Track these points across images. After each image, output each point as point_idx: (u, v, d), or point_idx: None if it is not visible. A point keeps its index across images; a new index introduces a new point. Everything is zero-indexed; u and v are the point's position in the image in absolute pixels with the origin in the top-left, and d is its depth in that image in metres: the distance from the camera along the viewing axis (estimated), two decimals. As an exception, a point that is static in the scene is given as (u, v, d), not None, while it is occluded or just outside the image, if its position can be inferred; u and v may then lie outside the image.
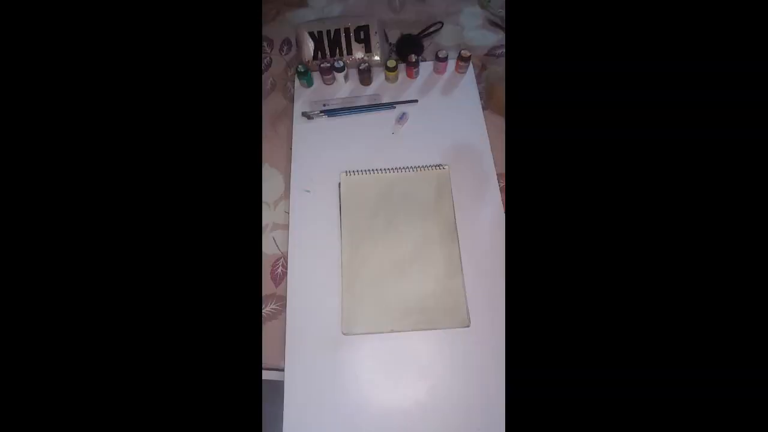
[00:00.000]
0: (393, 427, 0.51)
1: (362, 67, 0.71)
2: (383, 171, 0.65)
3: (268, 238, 0.64)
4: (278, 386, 0.54)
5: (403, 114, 0.70)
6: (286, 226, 0.63)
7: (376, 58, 0.74)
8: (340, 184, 0.64)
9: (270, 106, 0.75)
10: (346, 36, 0.73)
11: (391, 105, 0.71)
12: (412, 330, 0.55)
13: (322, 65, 0.71)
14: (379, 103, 0.71)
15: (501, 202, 0.62)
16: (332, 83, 0.74)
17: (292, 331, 0.56)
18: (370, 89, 0.74)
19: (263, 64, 0.79)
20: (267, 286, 0.60)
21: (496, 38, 0.79)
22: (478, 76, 0.74)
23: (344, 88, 0.74)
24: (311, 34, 0.73)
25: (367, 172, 0.64)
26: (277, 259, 0.62)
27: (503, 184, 0.64)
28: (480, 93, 0.72)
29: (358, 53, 0.74)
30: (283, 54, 0.81)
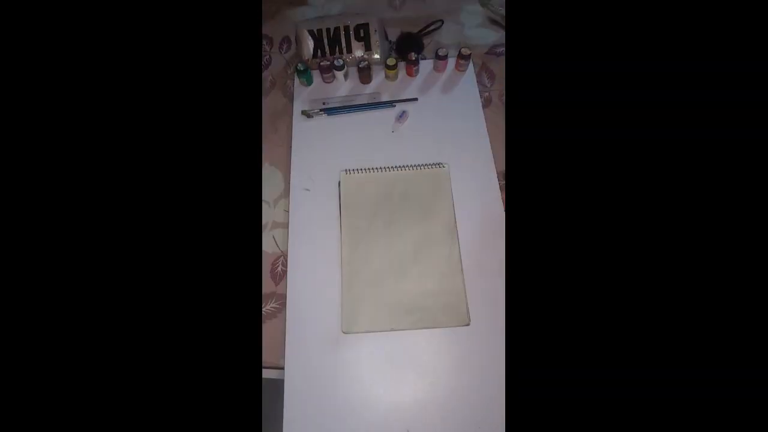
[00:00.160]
0: (393, 425, 0.51)
1: (362, 65, 0.70)
2: (383, 169, 0.64)
3: (268, 236, 0.64)
4: (278, 385, 0.54)
5: (403, 112, 0.70)
6: (286, 225, 0.63)
7: (376, 56, 0.74)
8: (339, 182, 0.64)
9: (269, 104, 0.74)
10: (345, 34, 0.73)
11: (390, 103, 0.71)
12: (412, 329, 0.55)
13: (321, 63, 0.71)
14: (378, 101, 0.71)
15: (501, 201, 0.62)
16: (332, 81, 0.74)
17: (292, 330, 0.56)
18: (370, 87, 0.73)
19: (263, 63, 0.79)
20: (267, 285, 0.60)
21: (496, 36, 0.79)
22: (479, 74, 0.74)
23: (344, 86, 0.74)
24: (311, 32, 0.73)
25: (367, 171, 0.64)
26: (277, 258, 0.62)
27: (503, 182, 0.64)
28: (480, 91, 0.72)
29: (358, 51, 0.74)
30: (282, 52, 0.80)
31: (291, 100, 0.74)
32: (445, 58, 0.71)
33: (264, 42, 0.82)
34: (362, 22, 0.73)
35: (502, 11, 0.80)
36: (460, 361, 0.54)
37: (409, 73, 0.73)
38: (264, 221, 0.65)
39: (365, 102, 0.71)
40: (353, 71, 0.74)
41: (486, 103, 0.72)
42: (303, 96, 0.73)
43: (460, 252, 0.59)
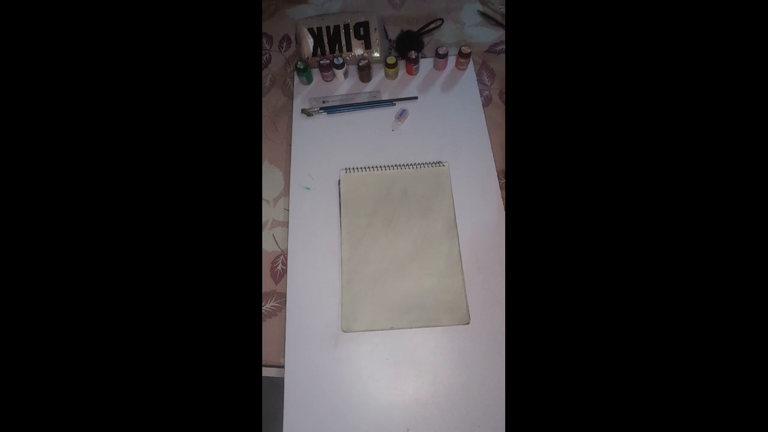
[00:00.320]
0: (392, 424, 0.51)
1: (362, 63, 0.70)
2: (383, 168, 0.64)
3: (268, 235, 0.64)
4: (278, 383, 0.54)
5: (403, 111, 0.70)
6: (286, 224, 0.63)
7: (376, 54, 0.74)
8: (339, 181, 0.64)
9: (269, 103, 0.74)
10: (345, 32, 0.73)
11: (390, 102, 0.71)
12: (412, 327, 0.55)
13: (321, 62, 0.71)
14: (378, 100, 0.71)
15: (501, 200, 0.62)
16: (332, 80, 0.74)
17: (292, 328, 0.56)
18: (370, 86, 0.73)
19: (263, 61, 0.79)
20: (267, 284, 0.61)
21: (496, 35, 0.78)
22: (479, 73, 0.74)
23: (344, 84, 0.74)
24: (310, 31, 0.73)
25: (367, 170, 0.64)
26: (277, 257, 0.62)
27: (503, 181, 0.64)
28: (480, 90, 0.72)
29: (358, 50, 0.73)
30: (282, 50, 0.80)
31: (291, 98, 0.74)
32: (445, 56, 0.71)
33: (264, 40, 0.82)
34: (362, 20, 0.72)
35: (502, 9, 0.79)
36: (459, 360, 0.54)
37: (409, 72, 0.73)
38: (264, 220, 0.65)
39: (365, 101, 0.71)
40: (353, 70, 0.74)
41: (486, 101, 0.72)
42: (303, 94, 0.73)
43: (459, 251, 0.59)
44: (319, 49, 0.73)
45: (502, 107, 0.71)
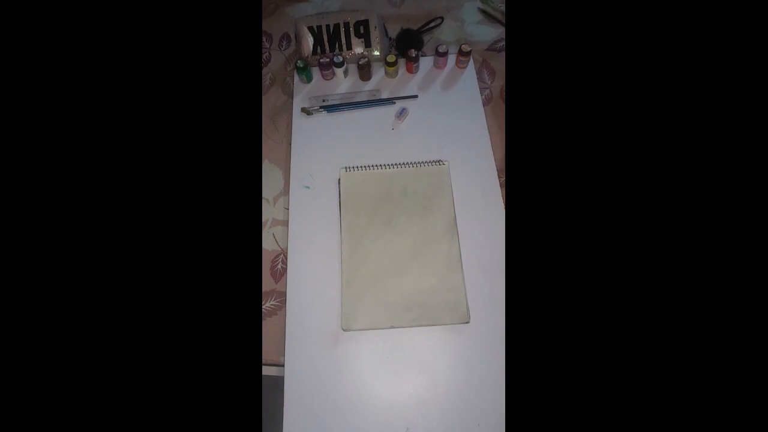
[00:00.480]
0: (392, 422, 0.51)
1: (362, 62, 0.70)
2: (383, 167, 0.64)
3: (267, 234, 0.64)
4: (278, 382, 0.54)
5: (403, 109, 0.69)
6: (286, 222, 0.63)
7: (376, 53, 0.73)
8: (339, 180, 0.64)
9: (269, 102, 0.74)
10: (345, 31, 0.73)
11: (390, 100, 0.71)
12: (412, 326, 0.55)
13: (321, 60, 0.70)
14: (378, 98, 0.71)
15: (501, 198, 0.62)
16: (331, 78, 0.74)
17: (292, 327, 0.56)
18: (370, 84, 0.73)
19: (262, 60, 0.79)
20: (267, 282, 0.61)
21: (496, 33, 0.78)
22: (479, 71, 0.74)
23: (344, 83, 0.74)
24: (310, 29, 0.73)
25: (367, 168, 0.64)
26: (277, 255, 0.62)
27: (503, 179, 0.64)
28: (480, 88, 0.71)
29: (358, 48, 0.73)
30: (282, 49, 0.80)
31: (291, 97, 0.74)
32: (445, 54, 0.71)
33: (263, 39, 0.81)
34: (362, 18, 0.72)
35: (502, 7, 0.79)
36: (459, 359, 0.54)
37: (409, 70, 0.73)
38: (264, 219, 0.65)
39: (365, 99, 0.71)
40: (353, 68, 0.74)
41: (486, 100, 0.71)
42: (303, 93, 0.73)
43: (459, 249, 0.59)
44: (318, 48, 0.73)
45: (503, 106, 0.71)
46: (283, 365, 0.54)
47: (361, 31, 0.72)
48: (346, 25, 0.72)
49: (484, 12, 0.80)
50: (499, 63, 0.75)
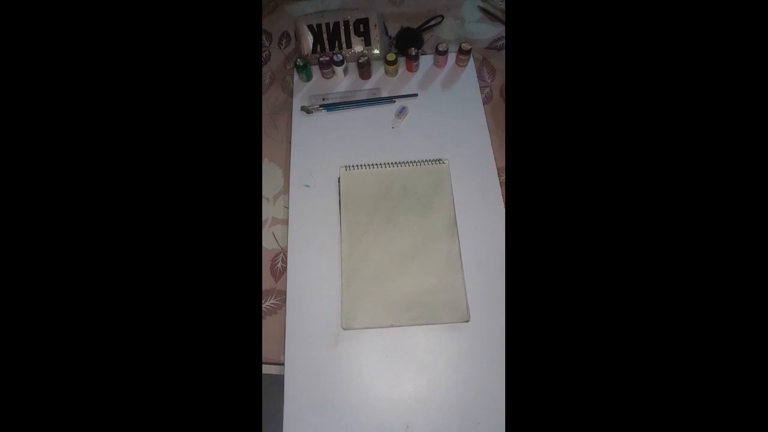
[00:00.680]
0: (392, 421, 0.51)
1: (362, 60, 0.70)
2: (383, 166, 0.64)
3: (267, 233, 0.64)
4: (278, 380, 0.54)
5: (403, 108, 0.69)
6: (286, 221, 0.63)
7: (376, 51, 0.73)
8: (339, 178, 0.64)
9: (269, 100, 0.74)
10: (345, 29, 0.72)
11: (390, 99, 0.71)
12: (412, 325, 0.55)
13: (321, 59, 0.70)
14: (378, 97, 0.71)
15: (501, 197, 0.62)
16: (331, 77, 0.73)
17: (291, 326, 0.56)
18: (370, 83, 0.73)
19: (262, 58, 0.79)
20: (267, 281, 0.61)
21: (496, 31, 0.78)
22: (479, 70, 0.74)
23: (343, 82, 0.73)
24: (310, 27, 0.73)
25: (367, 167, 0.64)
26: (277, 254, 0.62)
27: (503, 178, 0.64)
28: (480, 87, 0.71)
29: (358, 46, 0.73)
30: (281, 48, 0.80)
31: (290, 96, 0.73)
32: (445, 53, 0.70)
33: (263, 37, 0.81)
34: (362, 16, 0.72)
35: (503, 6, 0.79)
36: (459, 358, 0.54)
37: (409, 69, 0.73)
38: (264, 217, 0.65)
39: (365, 98, 0.71)
40: (353, 67, 0.73)
41: (486, 98, 0.71)
42: (302, 92, 0.73)
43: (459, 248, 0.59)
44: (318, 46, 0.73)
45: (503, 104, 0.71)
46: (283, 364, 0.54)
47: (361, 29, 0.72)
48: (346, 23, 0.72)
49: (484, 10, 0.80)
50: (500, 61, 0.75)
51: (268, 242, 0.63)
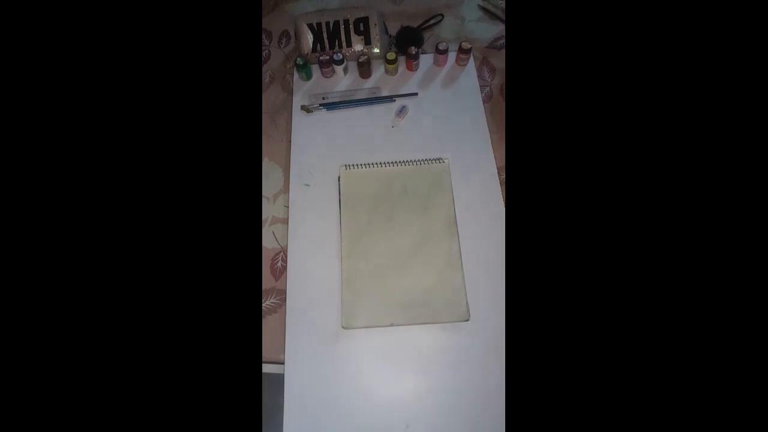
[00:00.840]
0: (392, 420, 0.51)
1: (362, 59, 0.70)
2: (383, 165, 0.64)
3: (267, 232, 0.64)
4: (279, 379, 0.54)
5: (403, 107, 0.69)
6: (286, 220, 0.63)
7: (376, 50, 0.73)
8: (339, 177, 0.64)
9: (269, 99, 0.74)
10: (345, 28, 0.72)
11: (390, 98, 0.70)
12: (412, 324, 0.55)
13: (321, 58, 0.70)
14: (378, 96, 0.71)
15: (501, 196, 0.62)
16: (331, 76, 0.73)
17: (292, 325, 0.56)
18: (370, 82, 0.73)
19: (262, 57, 0.79)
20: (267, 280, 0.61)
21: (496, 30, 0.78)
22: (479, 69, 0.74)
23: (343, 80, 0.73)
24: (310, 26, 0.72)
25: (367, 166, 0.64)
26: (277, 253, 0.62)
27: (503, 177, 0.64)
28: (480, 86, 0.71)
29: (358, 45, 0.73)
30: (281, 47, 0.80)
31: (290, 94, 0.73)
32: (445, 52, 0.70)
33: (263, 36, 0.81)
34: (362, 15, 0.72)
35: (503, 5, 0.79)
36: (459, 357, 0.54)
37: (409, 68, 0.73)
38: (264, 217, 0.65)
39: (365, 97, 0.71)
40: (353, 66, 0.73)
41: (486, 97, 0.71)
42: (302, 91, 0.73)
43: (459, 247, 0.59)
44: (318, 45, 0.73)
45: (503, 103, 0.70)
46: (283, 363, 0.54)
47: (361, 28, 0.72)
48: (346, 22, 0.72)
49: (484, 9, 0.80)
50: (500, 60, 0.75)
51: (268, 241, 0.63)
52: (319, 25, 0.72)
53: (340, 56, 0.70)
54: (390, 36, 0.77)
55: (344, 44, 0.73)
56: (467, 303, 0.55)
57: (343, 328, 0.55)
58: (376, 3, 0.82)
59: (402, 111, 0.69)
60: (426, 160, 0.64)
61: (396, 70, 0.72)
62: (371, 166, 0.64)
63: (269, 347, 0.56)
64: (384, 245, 0.59)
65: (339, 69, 0.72)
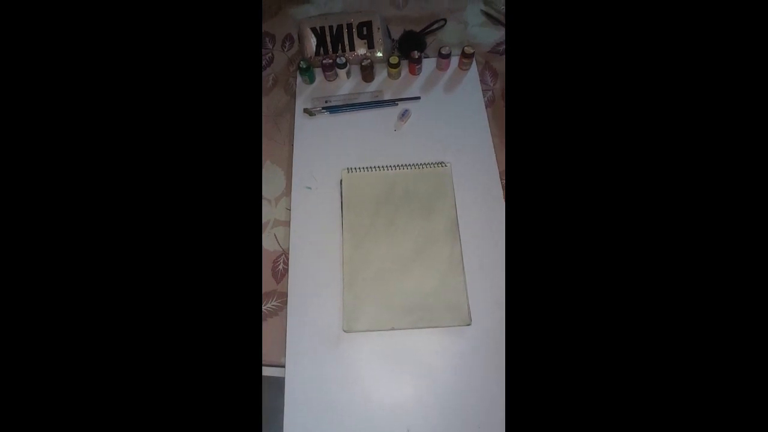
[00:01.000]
0: (393, 424, 0.51)
1: (364, 63, 0.70)
2: (385, 168, 0.64)
3: (269, 234, 0.64)
4: (279, 382, 0.54)
5: (406, 111, 0.70)
6: (288, 223, 0.63)
7: (379, 54, 0.73)
8: (341, 181, 0.64)
9: (272, 102, 0.74)
10: (348, 32, 0.73)
11: (393, 102, 0.71)
12: (413, 328, 0.55)
13: (324, 61, 0.71)
14: (381, 100, 0.71)
15: (503, 200, 0.62)
16: (334, 80, 0.74)
17: (293, 328, 0.56)
18: (373, 86, 0.73)
19: (265, 61, 0.79)
20: (268, 283, 0.61)
21: (499, 35, 0.78)
22: (482, 73, 0.74)
23: (346, 84, 0.74)
24: (313, 30, 0.73)
25: (369, 170, 0.64)
26: (278, 256, 0.62)
27: (505, 181, 0.64)
28: (483, 90, 0.71)
29: (361, 49, 0.73)
30: (285, 50, 0.80)
31: (293, 98, 0.74)
32: (448, 56, 0.71)
33: (266, 40, 0.82)
34: (365, 19, 0.72)
35: (504, 9, 0.79)
36: (460, 361, 0.53)
37: (412, 72, 0.73)
38: (265, 219, 0.65)
39: (368, 100, 0.71)
40: (356, 69, 0.74)
41: (489, 102, 0.72)
42: (305, 94, 0.73)
43: (461, 251, 0.58)
44: (321, 49, 0.73)
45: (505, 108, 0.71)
46: (283, 366, 0.54)
47: (364, 32, 0.73)
48: (349, 26, 0.73)
49: (487, 14, 0.80)
50: (502, 65, 0.75)
51: (269, 244, 0.63)
52: (322, 28, 0.73)
53: (343, 60, 0.70)
54: (393, 40, 0.77)
55: (347, 48, 0.73)
56: (469, 307, 0.55)
57: (344, 331, 0.55)
58: (380, 7, 0.82)
59: (404, 115, 0.69)
60: (428, 164, 0.65)
61: (399, 74, 0.73)
62: (373, 169, 0.64)
63: (270, 350, 0.56)
64: (385, 249, 0.59)
65: (342, 72, 0.72)
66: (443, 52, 0.70)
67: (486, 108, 0.70)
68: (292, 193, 0.65)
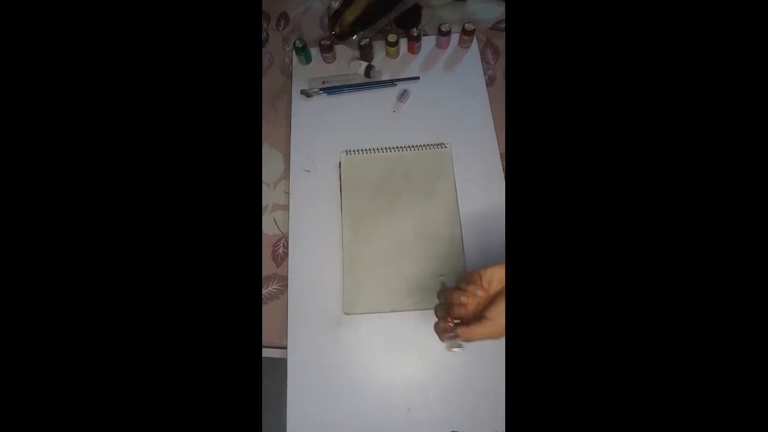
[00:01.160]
0: (394, 404, 0.52)
1: (363, 42, 0.68)
2: (384, 150, 0.63)
3: (268, 218, 0.63)
4: (281, 364, 0.55)
5: (405, 91, 0.68)
6: (287, 207, 0.63)
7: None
8: (340, 163, 0.63)
9: (268, 83, 0.73)
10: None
11: (392, 82, 0.69)
12: (413, 310, 0.55)
13: (322, 42, 0.69)
14: (379, 80, 0.70)
15: (503, 181, 0.62)
16: (332, 62, 0.72)
17: (293, 311, 0.56)
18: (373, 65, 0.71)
19: (262, 40, 0.77)
20: (268, 267, 0.61)
21: (500, 11, 0.76)
22: (482, 51, 0.72)
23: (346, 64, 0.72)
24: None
25: (368, 152, 0.63)
26: (278, 240, 0.62)
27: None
28: (483, 69, 0.70)
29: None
30: (280, 29, 0.78)
31: (289, 78, 0.72)
32: (448, 34, 0.69)
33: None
34: (362, -4, 0.70)
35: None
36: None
37: (411, 50, 0.71)
38: (264, 203, 0.64)
39: (365, 81, 0.70)
40: (348, 51, 0.72)
41: (490, 81, 0.70)
42: (302, 75, 0.71)
43: (461, 233, 0.58)
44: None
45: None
46: (285, 348, 0.55)
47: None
48: (346, 3, 0.70)
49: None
50: (503, 42, 0.73)
51: (269, 228, 0.63)
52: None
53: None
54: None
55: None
56: (469, 289, 0.55)
57: (345, 313, 0.55)
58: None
59: (404, 95, 0.68)
60: (428, 145, 0.64)
61: (397, 52, 0.71)
62: (372, 151, 0.63)
63: (272, 332, 0.57)
64: (385, 231, 0.59)
65: (339, 52, 0.70)
66: (443, 29, 0.68)
67: (486, 86, 0.68)
68: (290, 176, 0.64)
